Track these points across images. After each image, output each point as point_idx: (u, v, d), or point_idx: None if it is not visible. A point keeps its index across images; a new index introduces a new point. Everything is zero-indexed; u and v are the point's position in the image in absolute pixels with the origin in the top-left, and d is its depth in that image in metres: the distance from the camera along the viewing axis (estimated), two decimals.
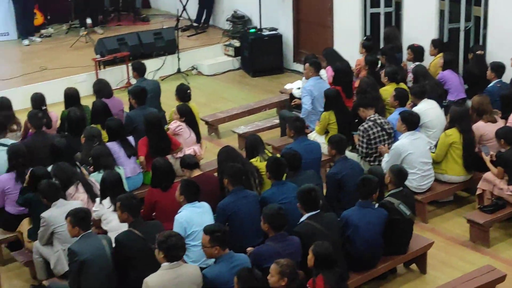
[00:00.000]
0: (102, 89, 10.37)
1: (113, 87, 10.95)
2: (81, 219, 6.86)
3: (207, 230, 6.53)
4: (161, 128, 9.35)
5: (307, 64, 10.86)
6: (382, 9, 12.83)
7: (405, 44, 12.01)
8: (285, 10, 14.62)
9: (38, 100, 9.89)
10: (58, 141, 8.61)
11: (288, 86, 11.98)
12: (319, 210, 7.26)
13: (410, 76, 11.18)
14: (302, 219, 7.26)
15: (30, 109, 9.75)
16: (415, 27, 12.19)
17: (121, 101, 10.61)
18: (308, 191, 7.23)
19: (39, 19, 16.35)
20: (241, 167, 7.77)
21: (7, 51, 15.44)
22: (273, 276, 6.18)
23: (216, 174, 8.61)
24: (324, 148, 9.12)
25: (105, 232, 7.53)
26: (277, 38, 14.62)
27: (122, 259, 6.86)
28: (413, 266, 8.23)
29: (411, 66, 11.34)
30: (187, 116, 9.71)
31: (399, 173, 7.94)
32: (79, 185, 8.08)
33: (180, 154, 9.35)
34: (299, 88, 11.34)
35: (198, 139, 9.87)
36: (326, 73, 11.43)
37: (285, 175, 8.02)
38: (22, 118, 9.74)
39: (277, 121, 11.36)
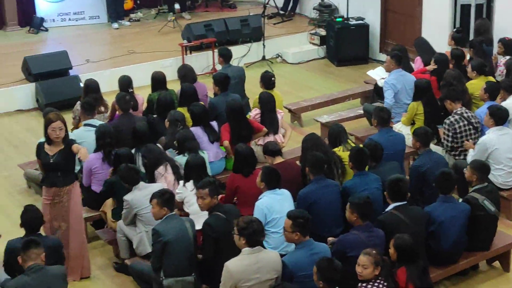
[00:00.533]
0: (187, 74, 10.46)
1: (198, 73, 11.05)
2: (167, 200, 6.99)
3: (291, 215, 6.55)
4: (242, 115, 9.36)
5: (388, 57, 10.70)
6: (473, 1, 12.54)
7: (497, 37, 11.71)
8: (373, 0, 14.47)
9: (125, 83, 10.06)
10: (139, 125, 8.73)
11: (370, 73, 11.81)
12: (405, 202, 7.20)
13: (499, 70, 10.90)
14: (387, 209, 7.21)
15: (117, 92, 9.93)
16: (507, 20, 11.88)
17: (205, 86, 10.70)
18: (397, 180, 7.20)
19: (128, 3, 16.66)
20: (322, 156, 7.74)
21: (97, 34, 15.75)
22: (367, 267, 6.18)
23: (298, 162, 8.60)
24: (409, 139, 8.99)
25: (187, 215, 7.64)
26: (364, 28, 14.48)
27: (211, 242, 6.94)
28: (496, 263, 8.05)
29: (502, 60, 11.06)
30: (268, 105, 9.67)
31: (481, 168, 7.78)
32: (168, 165, 8.21)
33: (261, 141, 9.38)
34: (383, 79, 11.21)
35: (276, 129, 9.78)
36: (415, 64, 11.25)
37: (367, 166, 7.96)
38: (110, 100, 9.92)
39: (361, 111, 11.26)
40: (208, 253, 7.01)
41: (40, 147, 7.59)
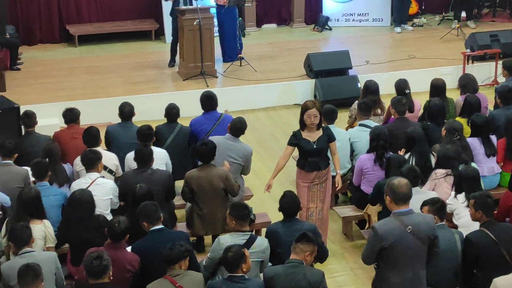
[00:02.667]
0: (468, 84, 10.22)
1: (478, 83, 10.72)
2: (439, 209, 6.90)
3: None
4: None
5: None
6: None
7: None
8: None
9: (402, 85, 10.00)
10: (412, 130, 8.66)
11: None
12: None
13: None
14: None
15: (394, 95, 9.93)
16: None
17: (486, 98, 10.36)
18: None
19: (413, 8, 16.64)
20: None
21: (379, 36, 15.90)
22: None
23: None
24: None
25: (455, 227, 7.45)
26: None
27: (471, 258, 6.74)
28: None
29: None
30: None
31: None
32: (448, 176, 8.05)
33: None
34: None
35: None
36: None
37: None
38: (386, 102, 9.95)
39: None
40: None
41: (297, 136, 8.05)
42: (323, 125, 8.25)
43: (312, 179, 8.11)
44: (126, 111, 9.33)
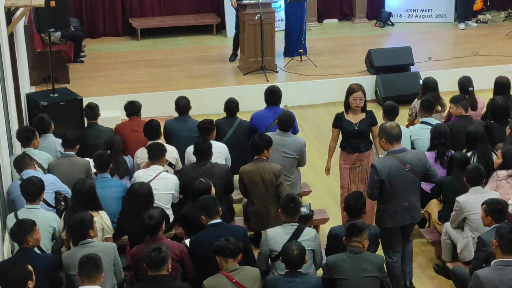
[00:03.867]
0: None
1: None
2: (496, 210, 6.76)
3: None
4: None
5: None
6: None
7: None
8: None
9: (465, 82, 9.86)
10: (473, 128, 8.51)
11: None
12: None
13: None
14: None
15: (456, 92, 9.79)
16: None
17: None
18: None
19: (478, 4, 16.35)
20: None
21: (442, 32, 15.69)
22: None
23: None
24: None
25: None
26: None
27: None
28: None
29: None
30: None
31: None
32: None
33: None
34: None
35: None
36: None
37: None
38: (448, 100, 9.80)
39: None
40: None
41: (340, 117, 8.35)
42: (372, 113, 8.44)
43: (354, 161, 8.34)
44: (182, 105, 9.40)
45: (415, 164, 7.22)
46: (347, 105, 8.35)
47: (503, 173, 7.87)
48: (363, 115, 8.33)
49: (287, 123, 8.64)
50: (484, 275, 6.11)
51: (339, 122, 8.38)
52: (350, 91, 8.31)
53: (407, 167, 7.16)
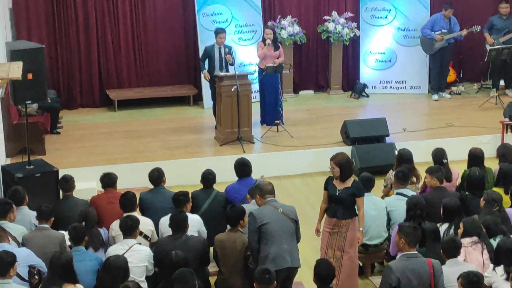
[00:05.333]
0: (507, 153, 10.12)
1: None
2: (472, 283, 6.76)
3: None
4: None
5: None
6: None
7: None
8: None
9: (439, 154, 9.97)
10: (449, 200, 8.57)
11: None
12: None
13: None
14: None
15: (431, 163, 9.90)
16: None
17: None
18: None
19: (451, 76, 16.64)
20: None
21: (417, 104, 15.89)
22: None
23: None
24: None
25: None
26: None
27: None
28: None
29: None
30: None
31: None
32: (482, 243, 7.92)
33: None
34: None
35: None
36: None
37: None
38: (424, 170, 9.87)
39: None
40: None
41: (328, 180, 8.54)
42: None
43: (333, 226, 8.41)
44: (154, 177, 9.43)
45: (288, 211, 8.01)
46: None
47: (467, 240, 7.94)
48: (348, 184, 8.38)
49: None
50: (395, 265, 7.20)
51: (326, 184, 8.54)
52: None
53: (280, 210, 7.94)
